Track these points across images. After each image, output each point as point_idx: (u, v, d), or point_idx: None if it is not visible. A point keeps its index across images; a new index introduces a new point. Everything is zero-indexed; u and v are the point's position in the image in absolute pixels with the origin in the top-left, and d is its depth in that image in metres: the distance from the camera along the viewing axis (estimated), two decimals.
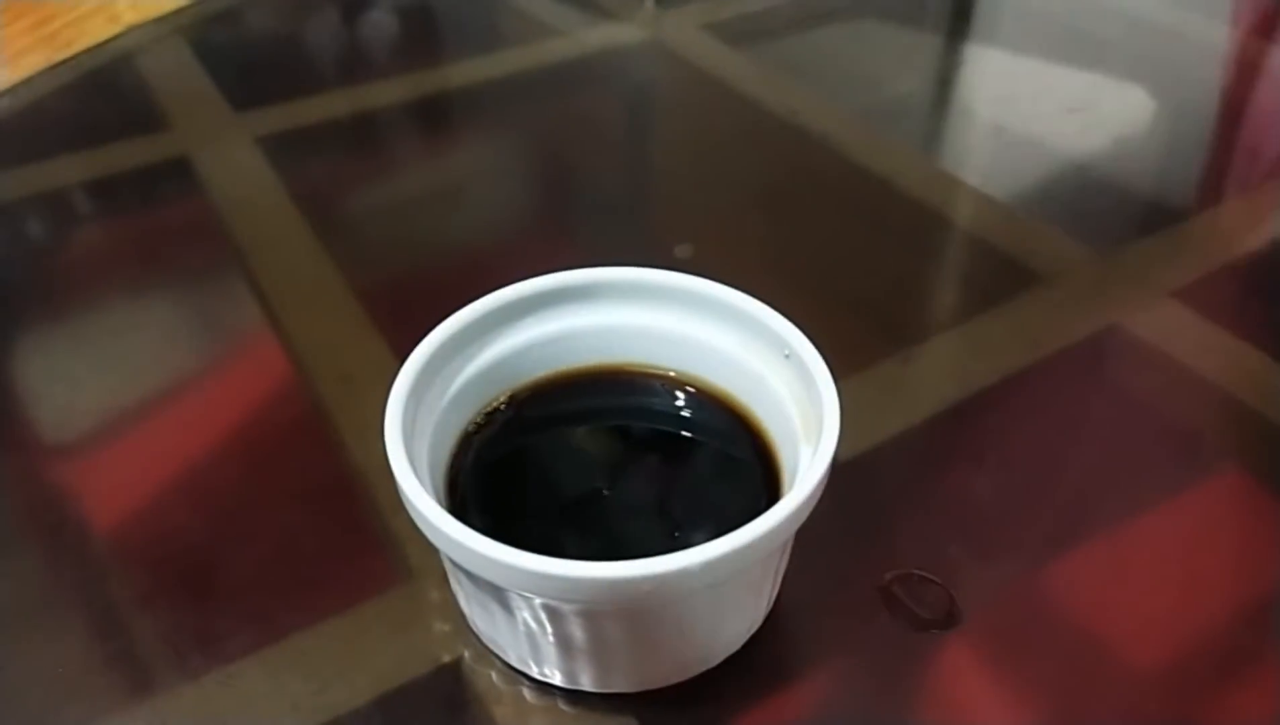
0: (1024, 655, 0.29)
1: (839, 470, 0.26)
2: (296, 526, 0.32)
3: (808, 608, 0.29)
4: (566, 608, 0.24)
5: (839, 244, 0.47)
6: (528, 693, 0.27)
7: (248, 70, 0.61)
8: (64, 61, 0.59)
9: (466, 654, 0.28)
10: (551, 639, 0.25)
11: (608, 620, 0.24)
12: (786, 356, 0.29)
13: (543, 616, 0.25)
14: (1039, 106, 0.59)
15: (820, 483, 0.24)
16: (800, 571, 0.28)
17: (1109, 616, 0.30)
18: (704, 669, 0.27)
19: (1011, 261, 0.45)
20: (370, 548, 0.31)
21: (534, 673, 0.27)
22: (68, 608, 0.30)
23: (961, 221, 0.48)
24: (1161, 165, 0.54)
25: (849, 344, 0.39)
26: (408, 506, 0.25)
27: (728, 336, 0.31)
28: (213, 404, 0.38)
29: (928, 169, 0.53)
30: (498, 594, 0.25)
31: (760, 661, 0.28)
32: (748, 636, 0.28)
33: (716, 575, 0.23)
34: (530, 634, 0.25)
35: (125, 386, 0.39)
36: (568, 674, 0.26)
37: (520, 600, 0.24)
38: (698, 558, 0.22)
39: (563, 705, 0.27)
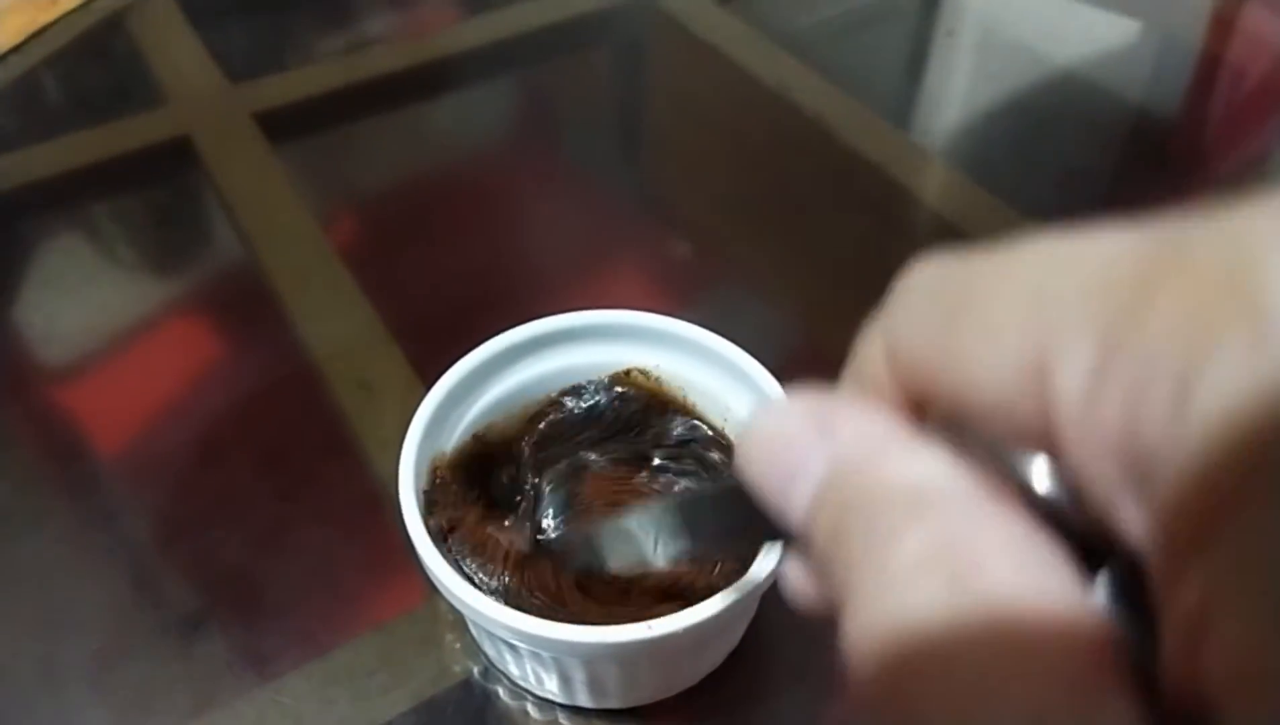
0: None
1: None
2: (329, 545, 0.36)
3: (784, 621, 0.33)
4: (568, 659, 0.28)
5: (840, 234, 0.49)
6: (531, 707, 0.31)
7: (235, 27, 0.61)
8: (51, 25, 0.59)
9: (476, 670, 0.32)
10: (554, 675, 0.29)
11: (604, 664, 0.28)
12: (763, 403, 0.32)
13: (545, 659, 0.28)
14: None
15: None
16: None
17: None
18: (689, 686, 0.31)
19: None
20: (397, 564, 0.35)
21: (537, 691, 0.31)
22: (129, 632, 0.34)
23: (934, 202, 0.50)
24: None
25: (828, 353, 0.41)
26: (424, 567, 0.28)
27: (716, 380, 0.34)
28: (234, 409, 0.41)
29: (901, 142, 0.54)
30: (507, 641, 0.29)
31: (741, 674, 0.32)
32: (728, 654, 0.32)
33: (701, 633, 0.27)
34: (535, 671, 0.29)
35: (137, 388, 0.42)
36: (567, 696, 0.30)
37: (525, 648, 0.28)
38: (683, 622, 0.26)
39: (563, 719, 0.31)
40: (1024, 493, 0.13)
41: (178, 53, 0.58)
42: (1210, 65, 0.62)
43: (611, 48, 0.63)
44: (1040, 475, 0.13)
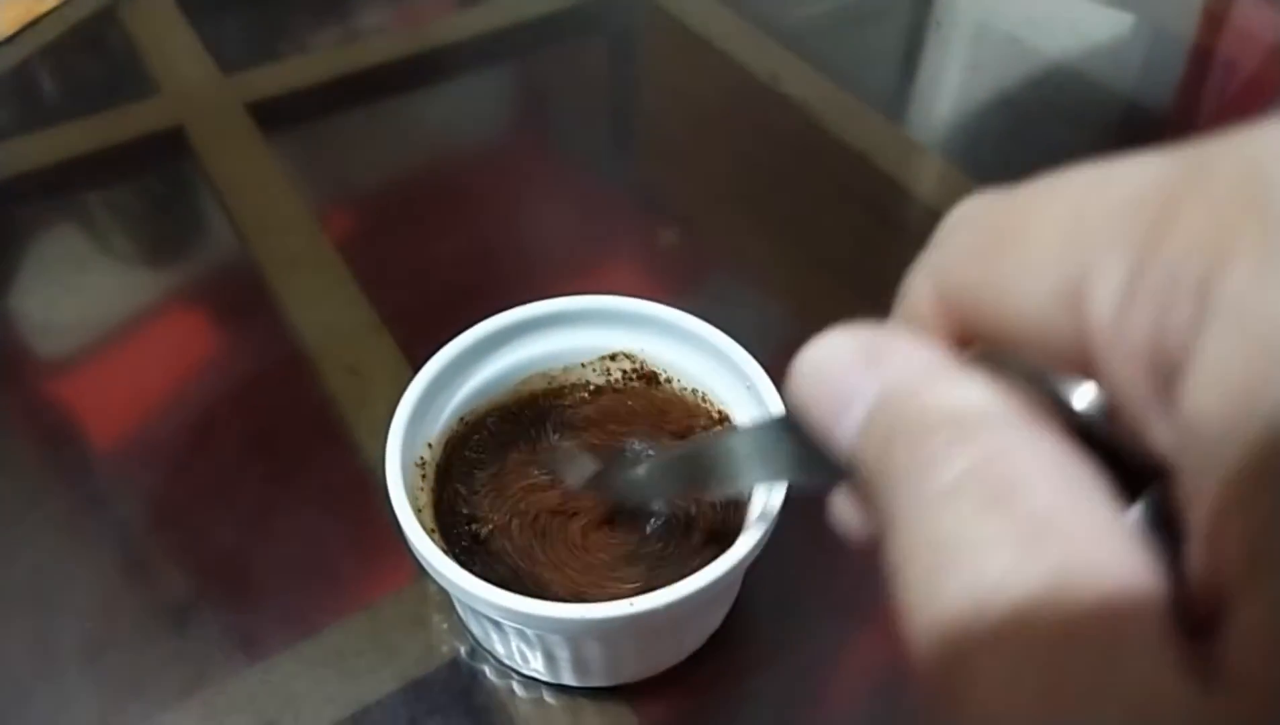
0: None
1: None
2: (318, 527, 0.36)
3: (767, 600, 0.34)
4: (552, 636, 0.28)
5: (821, 220, 0.49)
6: (517, 686, 0.32)
7: (228, 17, 0.61)
8: (45, 15, 0.60)
9: (463, 650, 0.32)
10: (539, 653, 0.30)
11: (587, 642, 0.29)
12: (748, 388, 0.32)
13: (530, 637, 0.29)
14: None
15: (770, 527, 0.28)
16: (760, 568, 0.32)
17: None
18: (672, 665, 0.32)
19: None
20: (384, 545, 0.35)
21: (523, 669, 0.31)
22: (121, 615, 0.34)
23: (925, 194, 0.51)
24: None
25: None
26: (411, 548, 0.28)
27: (699, 363, 0.34)
28: (225, 396, 0.41)
29: (899, 140, 0.54)
30: (492, 619, 0.29)
31: (724, 652, 0.32)
32: (710, 634, 0.32)
33: (681, 610, 0.27)
34: (521, 649, 0.30)
35: (130, 376, 0.42)
36: (552, 674, 0.31)
37: (510, 626, 0.29)
38: (664, 599, 0.27)
39: (548, 697, 0.31)
40: (1065, 417, 0.14)
41: (171, 43, 0.58)
42: (1202, 59, 0.62)
43: (604, 39, 0.63)
44: (1081, 400, 0.14)
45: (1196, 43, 0.63)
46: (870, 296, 0.46)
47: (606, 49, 0.63)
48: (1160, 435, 0.12)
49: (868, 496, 0.14)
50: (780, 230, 0.49)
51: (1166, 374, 0.12)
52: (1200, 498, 0.11)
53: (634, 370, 0.35)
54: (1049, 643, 0.11)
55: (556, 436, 0.34)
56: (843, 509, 0.17)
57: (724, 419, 0.34)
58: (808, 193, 0.51)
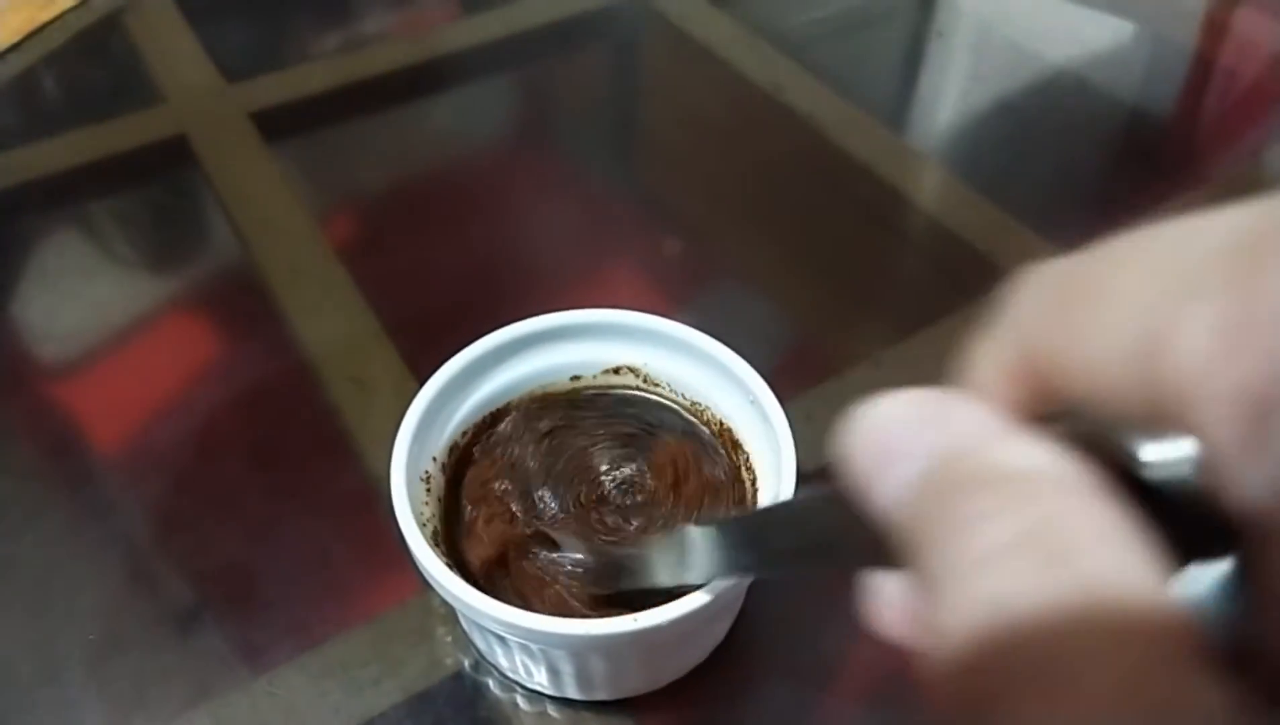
0: None
1: (806, 479, 0.29)
2: (322, 539, 0.36)
3: (770, 615, 0.34)
4: (556, 651, 0.28)
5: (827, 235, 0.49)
6: (520, 699, 0.32)
7: (231, 26, 0.61)
8: (49, 23, 0.60)
9: (466, 663, 0.33)
10: (543, 667, 0.30)
11: (590, 656, 0.29)
12: (750, 402, 0.32)
13: (534, 651, 0.29)
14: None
15: None
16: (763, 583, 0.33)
17: None
18: (674, 679, 0.32)
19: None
20: (388, 557, 0.35)
21: (527, 683, 0.31)
22: (125, 625, 0.34)
23: (926, 203, 0.51)
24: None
25: (814, 354, 0.42)
26: (416, 562, 0.29)
27: (701, 377, 0.34)
28: (229, 405, 0.41)
29: (898, 148, 0.54)
30: (496, 633, 0.29)
31: (727, 667, 0.32)
32: (713, 649, 0.32)
33: (685, 625, 0.27)
34: (524, 663, 0.30)
35: (133, 385, 0.42)
36: (555, 688, 0.31)
37: (514, 640, 0.29)
38: (668, 614, 0.27)
39: (552, 711, 0.31)
40: (1134, 480, 0.13)
41: (175, 51, 0.58)
42: (1203, 67, 0.62)
43: (607, 49, 0.63)
44: (1161, 458, 0.13)
45: (1198, 51, 0.63)
46: (872, 307, 0.47)
47: (609, 58, 0.63)
48: (1252, 483, 0.12)
49: (908, 560, 0.14)
50: (782, 240, 0.49)
51: (1264, 415, 0.12)
52: None
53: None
54: (1095, 701, 0.11)
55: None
56: (876, 599, 0.17)
57: (725, 432, 0.34)
58: (809, 202, 0.51)
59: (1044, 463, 0.13)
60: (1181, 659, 0.11)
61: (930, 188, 0.53)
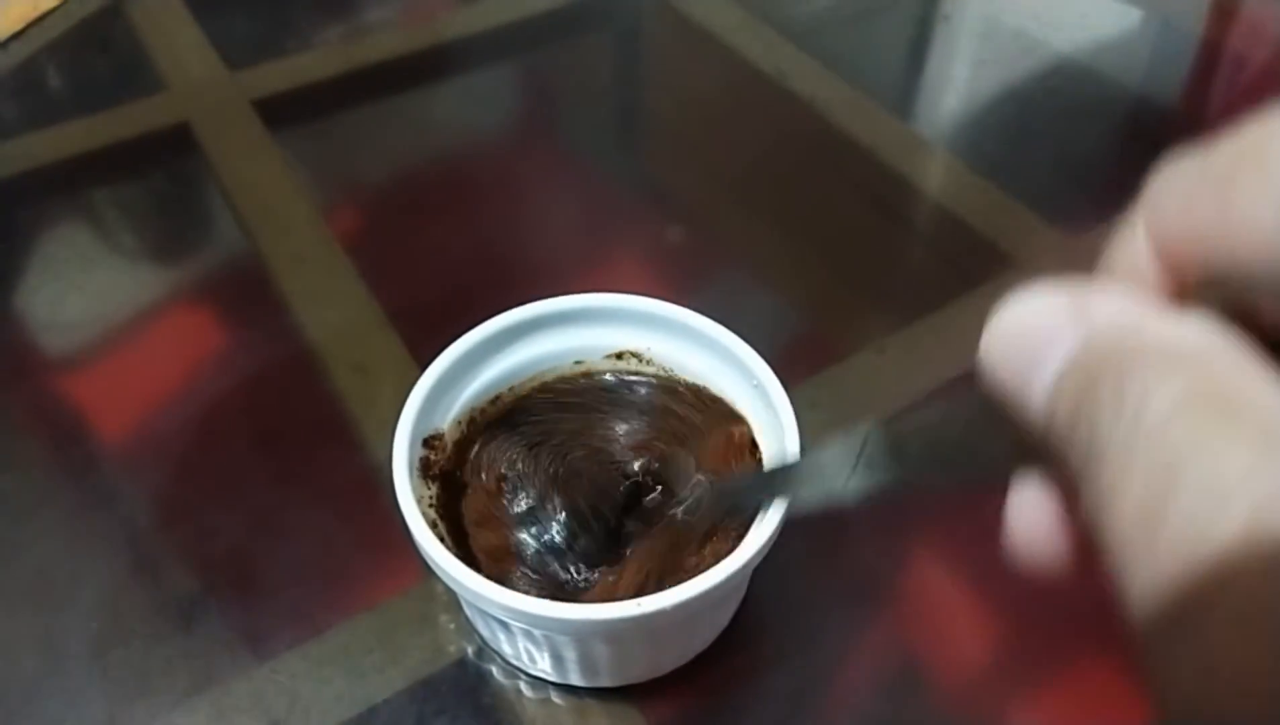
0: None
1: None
2: (325, 526, 0.36)
3: (774, 600, 0.34)
4: (559, 637, 0.28)
5: (826, 221, 0.49)
6: (524, 686, 0.32)
7: (234, 14, 0.61)
8: (52, 11, 0.60)
9: (470, 650, 0.32)
10: (546, 654, 0.29)
11: (594, 642, 0.29)
12: (754, 386, 0.32)
13: (538, 637, 0.29)
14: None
15: (777, 527, 0.28)
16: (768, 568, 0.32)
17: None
18: (678, 666, 0.32)
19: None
20: (391, 544, 0.35)
21: (530, 669, 0.31)
22: (128, 613, 0.34)
23: (932, 189, 0.50)
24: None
25: (820, 341, 0.42)
26: (418, 548, 0.28)
27: (705, 361, 0.34)
28: (231, 393, 0.41)
29: (903, 134, 0.54)
30: (499, 619, 0.29)
31: (731, 653, 0.32)
32: (717, 635, 0.32)
33: (689, 610, 0.27)
34: (528, 649, 0.30)
35: (136, 374, 0.42)
36: (559, 674, 0.31)
37: (517, 626, 0.29)
38: (672, 599, 0.26)
39: (555, 698, 0.31)
40: None
41: (177, 40, 0.58)
42: (1210, 53, 0.62)
43: (611, 35, 0.63)
44: None
45: (1205, 37, 0.62)
46: (877, 292, 0.46)
47: (613, 44, 0.63)
48: None
49: (1060, 453, 0.13)
50: (786, 226, 0.49)
51: None
52: None
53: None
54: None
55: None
56: (1020, 512, 0.16)
57: (733, 417, 0.34)
58: (814, 189, 0.51)
59: (1200, 333, 0.13)
60: None
61: (936, 174, 0.52)
